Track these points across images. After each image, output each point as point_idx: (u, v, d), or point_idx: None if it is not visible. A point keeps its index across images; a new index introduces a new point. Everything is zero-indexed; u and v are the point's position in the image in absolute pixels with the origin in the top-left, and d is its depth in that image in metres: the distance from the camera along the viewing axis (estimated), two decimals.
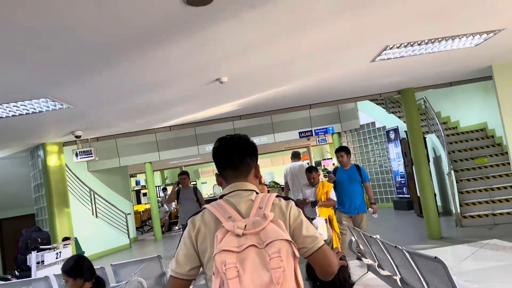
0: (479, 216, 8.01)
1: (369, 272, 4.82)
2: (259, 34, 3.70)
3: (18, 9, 2.55)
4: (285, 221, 1.62)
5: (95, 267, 4.66)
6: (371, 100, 12.67)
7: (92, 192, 12.12)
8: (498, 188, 8.36)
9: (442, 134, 9.08)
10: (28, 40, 3.02)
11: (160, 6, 2.79)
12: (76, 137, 6.84)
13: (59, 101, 4.73)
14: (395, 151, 11.64)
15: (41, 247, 5.39)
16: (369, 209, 6.31)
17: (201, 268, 1.67)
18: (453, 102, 10.86)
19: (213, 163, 1.82)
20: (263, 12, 3.17)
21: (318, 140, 14.06)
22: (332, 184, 5.88)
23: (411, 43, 4.65)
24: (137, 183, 25.14)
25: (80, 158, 7.56)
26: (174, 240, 12.66)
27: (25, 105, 4.71)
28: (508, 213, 7.81)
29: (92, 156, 7.52)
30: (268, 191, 9.93)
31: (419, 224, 8.97)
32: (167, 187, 22.29)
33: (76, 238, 8.01)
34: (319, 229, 5.44)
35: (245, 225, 1.51)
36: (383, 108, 12.20)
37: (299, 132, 13.27)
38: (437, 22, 4.16)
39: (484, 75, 7.35)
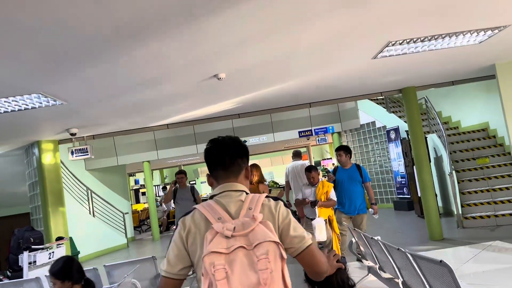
0: (481, 217, 7.89)
1: (369, 274, 4.69)
2: (257, 27, 3.58)
3: None
4: (274, 221, 1.64)
5: (89, 267, 4.57)
6: (371, 100, 12.57)
7: (89, 191, 12.00)
8: (500, 189, 8.24)
9: (444, 134, 8.96)
10: (15, 32, 2.89)
11: None
12: (71, 134, 6.70)
13: (51, 97, 4.60)
14: (395, 151, 11.52)
15: (33, 247, 5.26)
16: (370, 209, 6.18)
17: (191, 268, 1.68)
18: (454, 102, 10.74)
19: None
20: (261, 3, 3.05)
21: (318, 140, 13.95)
22: (332, 184, 5.76)
23: (414, 39, 4.52)
24: (136, 182, 25.04)
25: (76, 156, 7.42)
26: None
27: (16, 101, 4.58)
28: (510, 214, 7.68)
29: (88, 154, 7.38)
30: (270, 191, 9.84)
31: (420, 225, 8.84)
32: (167, 186, 22.15)
33: (71, 237, 7.91)
34: (319, 230, 5.32)
35: (234, 227, 1.53)
36: (384, 107, 12.08)
37: (299, 132, 13.16)
38: (441, 17, 4.03)
39: (487, 74, 7.23)
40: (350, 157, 6.29)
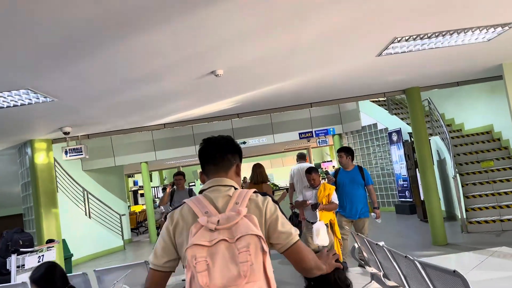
0: (486, 221, 7.68)
1: (372, 281, 4.47)
2: (256, 21, 3.37)
3: None
4: (261, 216, 1.66)
5: (79, 272, 4.36)
6: (372, 101, 12.40)
7: (85, 192, 11.79)
8: (506, 193, 8.04)
9: (448, 137, 8.76)
10: None
11: None
12: (65, 133, 6.49)
13: (41, 93, 4.39)
14: (397, 153, 11.31)
15: (22, 250, 5.04)
16: (372, 214, 5.97)
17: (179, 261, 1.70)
18: (458, 104, 10.55)
19: None
20: None
21: (319, 142, 13.75)
22: (334, 187, 5.55)
23: (421, 36, 4.32)
24: (135, 183, 24.85)
25: (70, 156, 7.22)
26: None
27: (4, 97, 4.37)
28: None
29: (82, 154, 7.18)
30: (273, 192, 9.69)
31: (422, 229, 8.63)
32: (166, 187, 21.92)
33: (64, 240, 7.69)
34: (319, 234, 5.11)
35: (218, 220, 1.56)
36: (385, 109, 11.91)
37: (299, 133, 12.99)
38: (449, 12, 3.83)
39: (493, 75, 7.03)
40: (352, 159, 6.07)
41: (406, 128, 10.88)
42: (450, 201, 9.25)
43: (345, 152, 6.00)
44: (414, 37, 4.32)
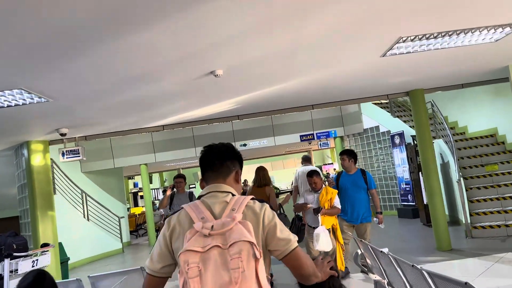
0: (491, 227, 7.52)
1: None
2: (256, 20, 3.24)
3: None
4: (258, 223, 1.66)
5: (79, 275, 4.24)
6: (375, 104, 12.27)
7: (84, 194, 11.66)
8: (511, 198, 7.88)
9: (451, 140, 8.60)
10: None
11: None
12: (61, 134, 6.36)
13: (35, 93, 4.26)
14: (400, 156, 11.17)
15: (15, 254, 4.89)
16: (374, 219, 5.83)
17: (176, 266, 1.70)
18: (461, 106, 10.39)
19: None
20: None
21: (320, 144, 13.62)
22: (337, 191, 5.40)
23: (427, 36, 4.18)
24: (135, 185, 24.71)
25: (67, 158, 7.08)
26: None
27: None
28: None
29: (79, 156, 7.05)
30: (277, 195, 9.58)
31: (426, 234, 8.49)
32: (166, 189, 21.78)
33: (60, 243, 7.55)
34: (321, 239, 4.97)
35: (212, 226, 1.57)
36: (388, 111, 11.76)
37: (300, 136, 12.86)
38: (456, 11, 3.70)
39: (499, 77, 6.89)
40: (355, 162, 5.93)
41: (409, 131, 10.74)
42: (453, 205, 9.10)
43: (348, 155, 5.86)
44: (419, 37, 4.19)
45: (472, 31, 4.23)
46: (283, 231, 1.70)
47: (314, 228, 5.14)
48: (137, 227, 16.29)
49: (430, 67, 5.76)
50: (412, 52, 4.72)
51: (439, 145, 9.42)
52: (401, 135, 11.03)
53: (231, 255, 1.51)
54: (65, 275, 7.48)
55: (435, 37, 4.28)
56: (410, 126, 10.81)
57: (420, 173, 9.36)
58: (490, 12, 3.84)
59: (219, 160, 1.82)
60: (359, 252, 4.54)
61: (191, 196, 6.59)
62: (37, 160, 7.09)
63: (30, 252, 5.11)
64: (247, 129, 13.02)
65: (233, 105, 6.50)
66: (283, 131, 13.04)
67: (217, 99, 5.98)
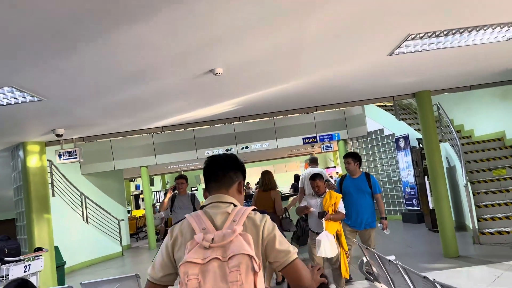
0: (499, 233, 7.30)
1: None
2: (257, 13, 3.06)
3: None
4: (257, 235, 1.68)
5: (77, 278, 4.05)
6: (379, 106, 12.09)
7: (83, 196, 11.49)
8: None
9: (458, 143, 8.39)
10: None
11: None
12: (57, 135, 6.18)
13: (27, 92, 4.09)
14: (404, 160, 10.95)
15: (6, 259, 4.72)
16: (379, 224, 5.61)
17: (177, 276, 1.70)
18: (467, 110, 10.18)
19: None
20: None
21: (323, 147, 13.43)
22: (341, 195, 5.20)
23: (437, 33, 3.99)
24: (137, 187, 24.55)
25: (64, 159, 6.93)
26: None
27: None
28: None
29: (76, 158, 6.89)
30: (287, 197, 9.40)
31: (432, 239, 8.27)
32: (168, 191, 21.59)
33: (56, 246, 7.37)
34: (325, 245, 4.76)
35: (213, 238, 1.58)
36: (392, 114, 11.55)
37: (303, 138, 12.69)
38: (468, 6, 3.50)
39: (509, 78, 6.69)
40: (360, 165, 5.73)
41: (414, 134, 10.53)
42: (459, 211, 8.87)
43: (353, 158, 5.65)
44: (429, 34, 3.99)
45: (484, 28, 4.04)
46: (282, 243, 1.71)
47: (318, 233, 4.94)
48: (138, 230, 16.11)
49: (437, 67, 5.56)
50: (420, 51, 4.52)
51: (445, 149, 9.20)
52: (406, 138, 10.82)
53: (230, 268, 1.52)
54: (61, 279, 7.30)
55: (445, 35, 4.09)
56: (415, 129, 10.61)
57: (425, 177, 9.15)
58: (503, 8, 3.65)
59: (222, 171, 1.85)
60: (365, 259, 4.34)
61: (193, 198, 6.33)
62: (33, 161, 6.92)
63: (22, 257, 4.95)
64: (249, 132, 12.86)
65: (234, 106, 6.32)
66: (286, 134, 12.88)
67: (217, 100, 5.79)
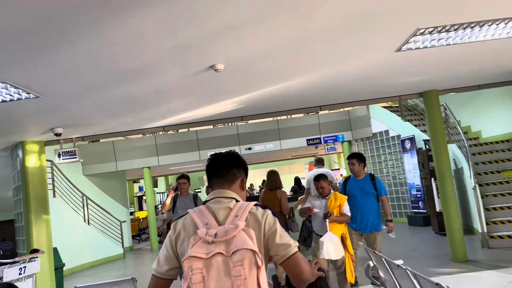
0: (509, 236, 7.09)
1: None
2: (259, 7, 2.90)
3: None
4: (259, 229, 1.71)
5: (77, 280, 3.91)
6: (384, 107, 11.90)
7: (84, 197, 11.38)
8: None
9: (466, 145, 8.19)
10: None
11: None
12: (56, 134, 6.05)
13: (22, 88, 3.96)
14: (410, 162, 10.75)
15: (1, 261, 4.59)
16: (384, 227, 5.44)
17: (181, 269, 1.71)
18: (474, 111, 9.98)
19: None
20: None
21: (327, 149, 13.27)
22: (346, 197, 5.03)
23: (447, 27, 3.82)
24: (141, 189, 24.45)
25: (63, 159, 6.80)
26: None
27: None
28: None
29: (76, 157, 6.76)
30: (289, 199, 9.21)
31: (439, 243, 8.08)
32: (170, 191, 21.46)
33: (55, 248, 7.24)
34: (329, 247, 4.59)
35: (216, 233, 1.60)
36: (398, 115, 11.37)
37: (307, 139, 12.54)
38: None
39: None
40: (364, 166, 5.56)
41: (420, 135, 10.34)
42: (467, 213, 8.66)
43: (358, 158, 5.49)
44: (439, 28, 3.82)
45: (497, 23, 3.87)
46: (282, 237, 1.72)
47: (322, 236, 4.77)
48: (140, 231, 15.98)
49: (445, 65, 5.38)
50: (429, 47, 4.35)
51: (452, 150, 9.00)
52: (412, 139, 10.62)
53: (233, 263, 1.54)
54: (59, 282, 7.16)
55: (455, 29, 3.92)
56: (421, 131, 10.41)
57: (432, 179, 8.95)
58: None
59: (225, 167, 1.87)
60: (371, 264, 4.17)
61: (195, 199, 6.14)
62: (32, 161, 6.80)
63: (17, 259, 4.81)
64: (252, 133, 12.72)
65: (236, 104, 6.17)
66: (289, 135, 12.73)
67: (218, 98, 5.64)
